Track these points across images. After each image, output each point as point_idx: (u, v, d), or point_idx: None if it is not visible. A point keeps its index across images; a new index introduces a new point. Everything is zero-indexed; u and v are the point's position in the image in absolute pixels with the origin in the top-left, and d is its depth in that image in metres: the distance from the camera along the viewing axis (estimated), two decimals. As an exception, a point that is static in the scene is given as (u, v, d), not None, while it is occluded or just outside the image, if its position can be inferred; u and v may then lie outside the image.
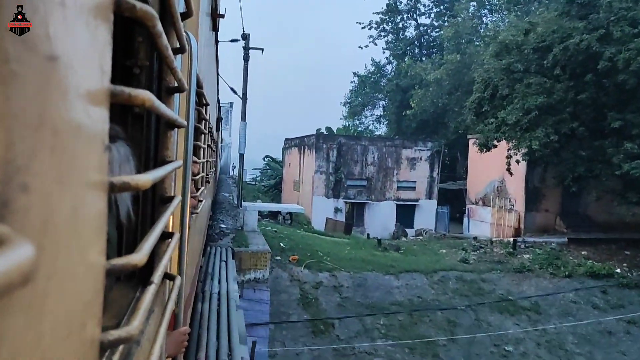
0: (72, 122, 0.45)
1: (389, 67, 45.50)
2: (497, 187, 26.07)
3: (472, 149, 27.37)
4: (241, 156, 19.87)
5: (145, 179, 0.67)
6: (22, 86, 0.35)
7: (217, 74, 10.43)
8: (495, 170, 25.00)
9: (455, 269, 16.53)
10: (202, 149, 4.31)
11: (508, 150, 19.52)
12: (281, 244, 15.80)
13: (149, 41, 1.35)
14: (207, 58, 4.50)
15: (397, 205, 31.24)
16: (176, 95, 1.60)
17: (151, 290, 0.83)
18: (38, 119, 0.37)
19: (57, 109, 0.41)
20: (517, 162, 19.55)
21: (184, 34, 1.43)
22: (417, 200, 31.69)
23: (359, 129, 45.24)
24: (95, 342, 0.59)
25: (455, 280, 15.78)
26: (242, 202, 18.72)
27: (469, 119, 21.45)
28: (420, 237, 27.04)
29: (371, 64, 46.12)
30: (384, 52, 44.46)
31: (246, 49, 19.00)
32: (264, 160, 44.83)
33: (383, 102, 44.76)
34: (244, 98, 19.22)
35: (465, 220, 29.08)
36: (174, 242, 1.29)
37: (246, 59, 19.08)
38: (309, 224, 27.28)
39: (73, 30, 0.46)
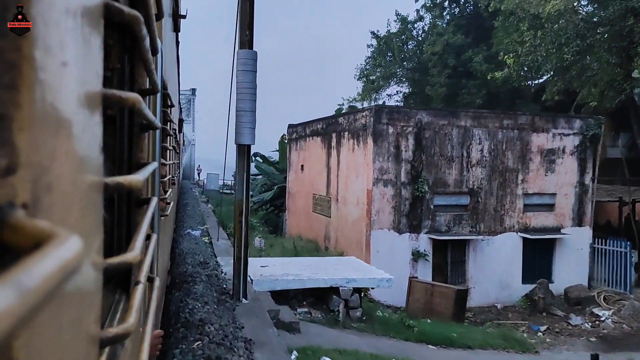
0: (79, 126, 0.47)
1: (419, 25, 31.64)
2: None
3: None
4: (239, 149, 6.66)
5: (137, 179, 0.69)
6: (44, 92, 0.37)
7: (179, 76, 10.33)
8: None
9: None
10: (168, 151, 4.28)
11: None
12: None
13: (120, 43, 1.35)
14: (170, 59, 4.49)
15: (524, 240, 16.45)
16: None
17: (140, 289, 0.84)
18: (56, 123, 0.39)
19: (69, 113, 0.43)
20: None
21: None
22: (558, 230, 16.86)
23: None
24: (97, 338, 0.61)
25: None
26: (248, 273, 5.85)
27: None
28: (609, 313, 14.22)
29: (395, 20, 31.30)
30: (416, 1, 31.14)
31: None
32: (252, 161, 26.64)
33: (410, 72, 31.70)
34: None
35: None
36: (152, 243, 1.30)
37: None
38: (366, 289, 12.66)
39: (75, 36, 0.48)
